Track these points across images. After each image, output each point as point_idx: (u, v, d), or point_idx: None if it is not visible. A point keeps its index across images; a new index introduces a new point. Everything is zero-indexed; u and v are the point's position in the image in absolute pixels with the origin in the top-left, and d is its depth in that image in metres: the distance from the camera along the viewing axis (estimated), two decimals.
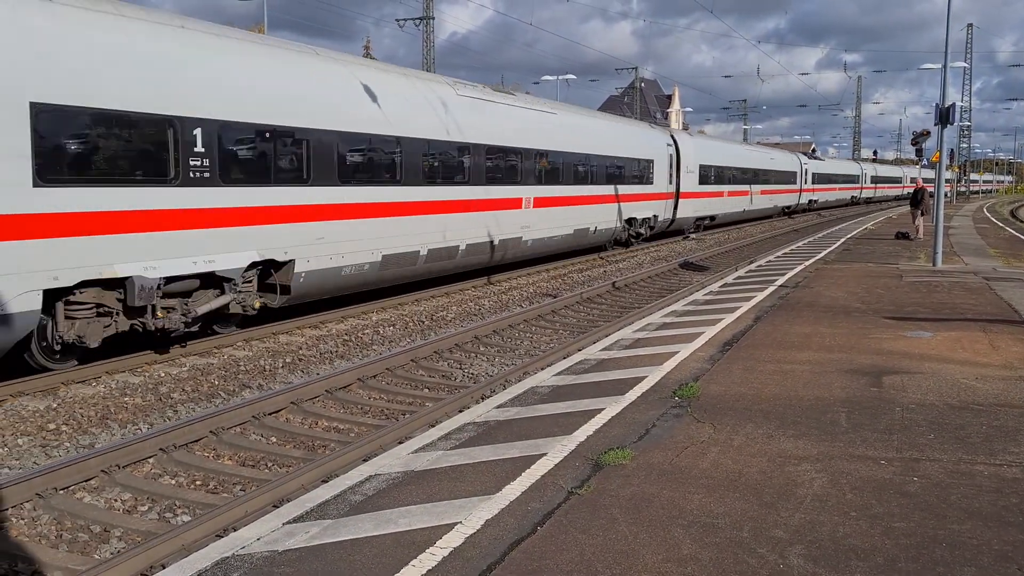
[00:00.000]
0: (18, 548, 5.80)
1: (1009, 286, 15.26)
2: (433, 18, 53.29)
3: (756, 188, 42.34)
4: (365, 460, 6.89)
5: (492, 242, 18.33)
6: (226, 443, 7.98)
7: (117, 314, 10.15)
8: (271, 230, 12.06)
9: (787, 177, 49.13)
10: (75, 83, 9.32)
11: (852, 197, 70.14)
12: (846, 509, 4.98)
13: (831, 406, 7.22)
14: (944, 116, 18.92)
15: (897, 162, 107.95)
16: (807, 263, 19.84)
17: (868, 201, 77.00)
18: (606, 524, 4.79)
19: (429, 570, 4.23)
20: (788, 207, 50.91)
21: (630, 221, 27.10)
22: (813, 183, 55.58)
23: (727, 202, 37.80)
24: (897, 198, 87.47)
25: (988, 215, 50.62)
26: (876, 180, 79.83)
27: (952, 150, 64.18)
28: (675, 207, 31.08)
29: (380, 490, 5.39)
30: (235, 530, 5.33)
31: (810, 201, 55.51)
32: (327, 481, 6.20)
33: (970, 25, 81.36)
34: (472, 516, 4.90)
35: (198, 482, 7.16)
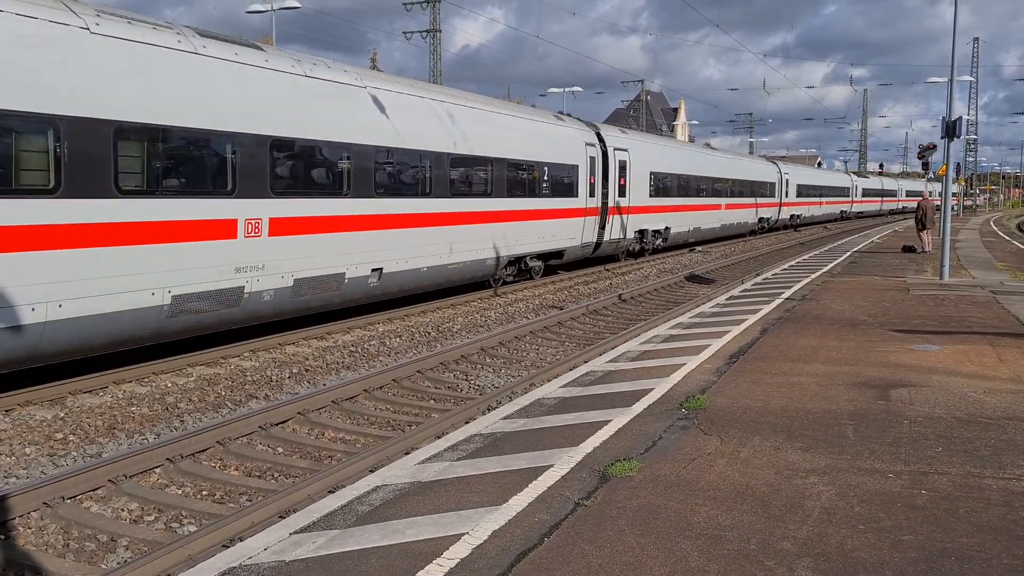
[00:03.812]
0: (25, 557, 5.81)
1: (1017, 300, 15.20)
2: (440, 31, 53.64)
3: (722, 201, 36.41)
4: (371, 471, 6.89)
5: (157, 305, 10.30)
6: (233, 453, 7.99)
7: None
8: None
9: (763, 189, 43.38)
10: None
11: (841, 212, 65.25)
12: (854, 522, 4.96)
13: (838, 419, 7.20)
14: (950, 130, 18.91)
15: (903, 175, 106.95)
16: (814, 276, 19.81)
17: (860, 216, 72.04)
18: (613, 536, 4.78)
19: None
20: (764, 224, 45.05)
21: (518, 249, 19.36)
22: (796, 196, 49.99)
23: (680, 218, 30.99)
24: (892, 212, 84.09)
25: (995, 228, 50.51)
26: (869, 193, 74.86)
27: (959, 164, 63.94)
28: (602, 226, 24.16)
29: (387, 500, 5.39)
30: (241, 540, 5.35)
31: (792, 216, 50.16)
32: (334, 491, 6.21)
33: (976, 39, 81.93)
34: (479, 527, 4.89)
35: (205, 492, 7.17)
